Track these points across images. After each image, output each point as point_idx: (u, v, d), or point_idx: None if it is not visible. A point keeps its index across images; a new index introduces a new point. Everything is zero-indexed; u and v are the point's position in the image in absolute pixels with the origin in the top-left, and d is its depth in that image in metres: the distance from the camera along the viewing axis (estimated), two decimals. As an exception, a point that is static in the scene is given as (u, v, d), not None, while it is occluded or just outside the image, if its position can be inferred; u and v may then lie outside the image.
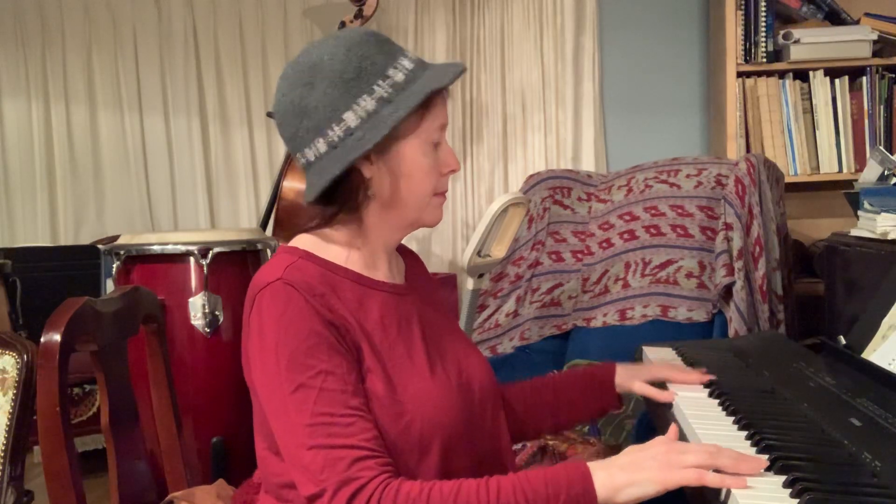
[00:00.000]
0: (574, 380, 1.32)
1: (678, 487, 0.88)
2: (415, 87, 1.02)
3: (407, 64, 1.04)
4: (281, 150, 3.31)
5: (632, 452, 0.92)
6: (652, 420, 1.38)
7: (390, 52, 1.04)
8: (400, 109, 1.00)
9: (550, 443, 1.76)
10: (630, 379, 1.28)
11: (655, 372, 1.29)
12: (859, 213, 1.61)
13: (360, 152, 1.00)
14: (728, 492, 0.83)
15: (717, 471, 0.86)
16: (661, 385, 1.26)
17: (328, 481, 0.90)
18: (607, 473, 0.89)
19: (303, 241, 1.09)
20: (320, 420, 0.92)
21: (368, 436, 0.94)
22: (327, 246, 1.08)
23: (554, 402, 1.30)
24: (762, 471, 0.87)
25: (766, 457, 0.89)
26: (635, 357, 1.63)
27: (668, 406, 1.20)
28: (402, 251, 1.23)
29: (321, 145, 1.02)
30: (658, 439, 0.93)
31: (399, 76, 1.02)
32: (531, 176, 2.62)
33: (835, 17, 2.79)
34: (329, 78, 1.01)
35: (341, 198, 1.05)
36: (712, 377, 1.26)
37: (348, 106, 1.00)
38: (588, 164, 3.19)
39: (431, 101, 1.04)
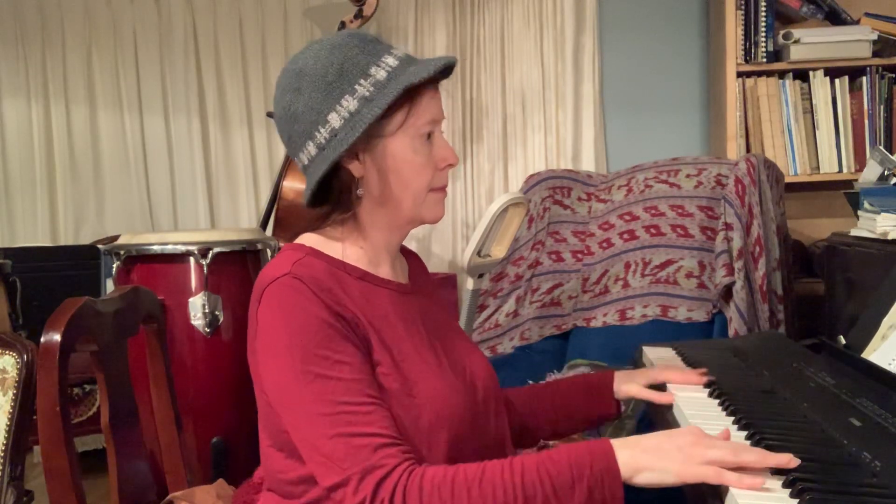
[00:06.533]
0: (573, 387, 1.32)
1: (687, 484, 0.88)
2: (395, 83, 1.01)
3: (391, 62, 1.04)
4: (281, 150, 3.31)
5: (659, 436, 0.91)
6: (652, 420, 1.38)
7: (374, 51, 1.04)
8: (376, 107, 1.00)
9: (551, 444, 1.75)
10: (628, 384, 1.28)
11: (654, 375, 1.29)
12: (859, 213, 1.61)
13: (339, 152, 1.01)
14: (727, 491, 0.83)
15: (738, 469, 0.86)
16: (660, 387, 1.26)
17: (352, 469, 0.90)
18: (631, 453, 0.88)
19: (308, 240, 1.10)
20: (340, 409, 0.92)
21: (388, 423, 0.94)
22: (332, 244, 1.09)
23: (552, 409, 1.30)
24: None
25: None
26: (635, 357, 1.63)
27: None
28: (405, 252, 1.24)
29: (311, 148, 1.04)
30: (688, 428, 0.92)
31: (381, 74, 1.02)
32: (531, 176, 2.62)
33: (835, 17, 2.79)
34: (313, 82, 1.02)
35: (334, 197, 1.07)
36: (712, 378, 1.26)
37: (331, 108, 1.02)
38: (588, 164, 3.19)
39: (417, 95, 1.03)
